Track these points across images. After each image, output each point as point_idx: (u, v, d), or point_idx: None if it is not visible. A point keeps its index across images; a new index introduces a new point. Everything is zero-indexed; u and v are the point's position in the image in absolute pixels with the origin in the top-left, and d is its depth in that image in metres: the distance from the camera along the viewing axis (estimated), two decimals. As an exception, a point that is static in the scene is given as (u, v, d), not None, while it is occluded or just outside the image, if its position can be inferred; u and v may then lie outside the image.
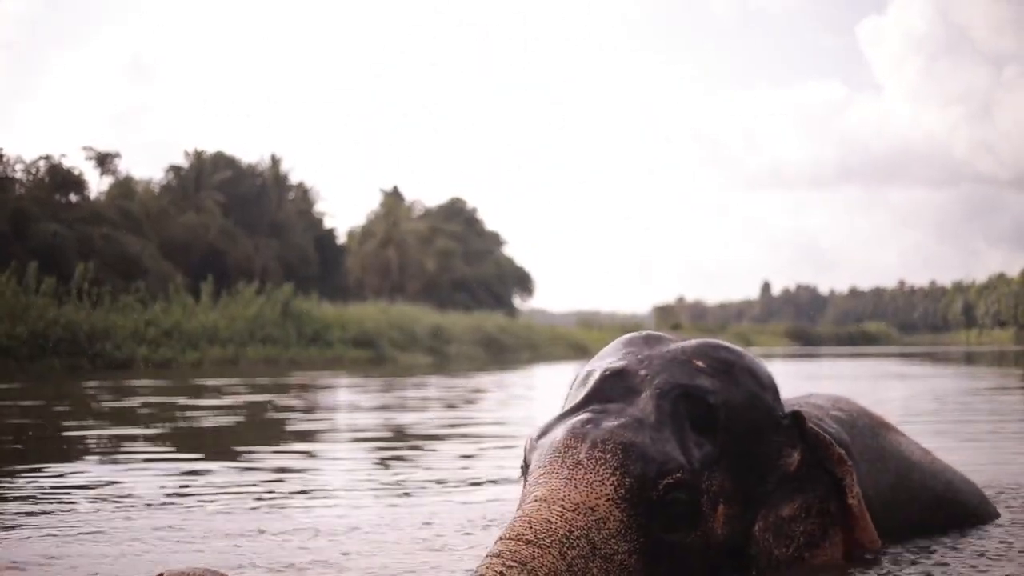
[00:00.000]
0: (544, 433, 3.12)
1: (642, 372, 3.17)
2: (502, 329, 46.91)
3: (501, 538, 2.82)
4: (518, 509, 2.97)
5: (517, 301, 68.48)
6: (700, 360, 3.21)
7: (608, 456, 2.92)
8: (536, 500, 2.89)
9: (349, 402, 13.65)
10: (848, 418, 3.68)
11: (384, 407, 12.04)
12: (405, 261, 58.56)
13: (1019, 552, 3.50)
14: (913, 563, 3.34)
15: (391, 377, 20.89)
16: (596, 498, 2.86)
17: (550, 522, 2.82)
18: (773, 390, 3.28)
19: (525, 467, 3.13)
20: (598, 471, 2.90)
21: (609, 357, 3.33)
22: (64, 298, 25.94)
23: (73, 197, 39.14)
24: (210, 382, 17.66)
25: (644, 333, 3.44)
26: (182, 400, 13.01)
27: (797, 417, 3.23)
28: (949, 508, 3.84)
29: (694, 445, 3.01)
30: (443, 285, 59.39)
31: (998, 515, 4.08)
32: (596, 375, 3.23)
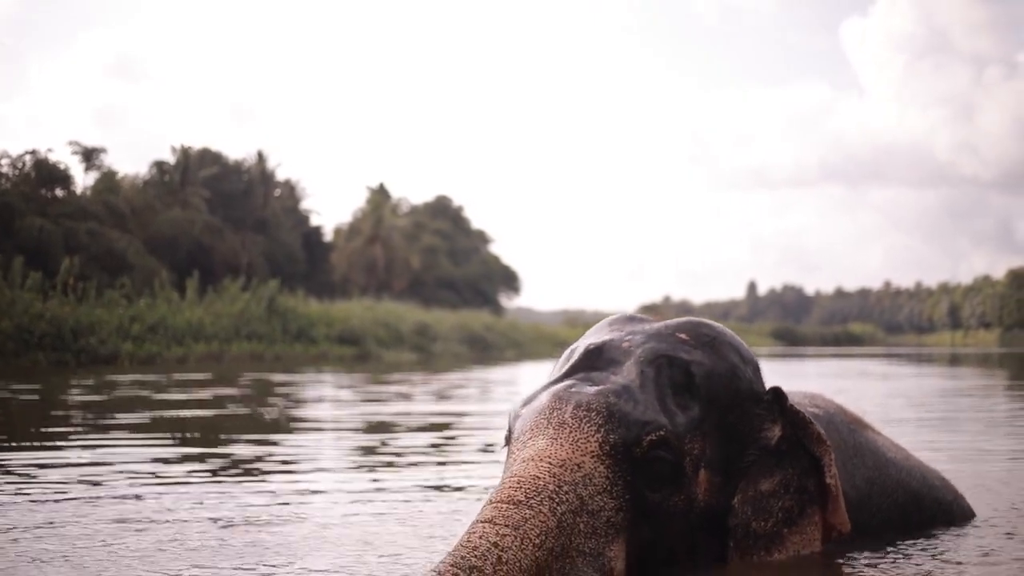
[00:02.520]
0: (528, 402, 3.20)
1: (625, 345, 3.27)
2: (488, 327, 46.94)
3: (491, 501, 2.86)
4: (505, 472, 3.04)
5: (503, 299, 68.54)
6: (683, 333, 3.30)
7: (593, 415, 3.00)
8: (524, 460, 2.96)
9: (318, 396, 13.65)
10: (825, 414, 3.71)
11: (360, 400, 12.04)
12: (391, 258, 58.51)
13: (993, 552, 3.53)
14: (893, 563, 3.36)
15: (365, 374, 20.87)
16: (582, 455, 2.94)
17: (538, 478, 2.88)
18: (754, 366, 3.35)
19: (509, 436, 3.19)
20: (583, 429, 2.98)
21: (593, 335, 3.43)
22: (49, 293, 25.86)
23: (59, 192, 39.02)
24: (192, 376, 17.63)
25: (627, 314, 3.54)
26: (147, 393, 12.98)
27: (778, 393, 3.29)
28: (924, 506, 3.87)
29: (677, 409, 3.09)
30: (429, 283, 59.41)
31: (973, 514, 4.12)
32: (580, 350, 3.33)
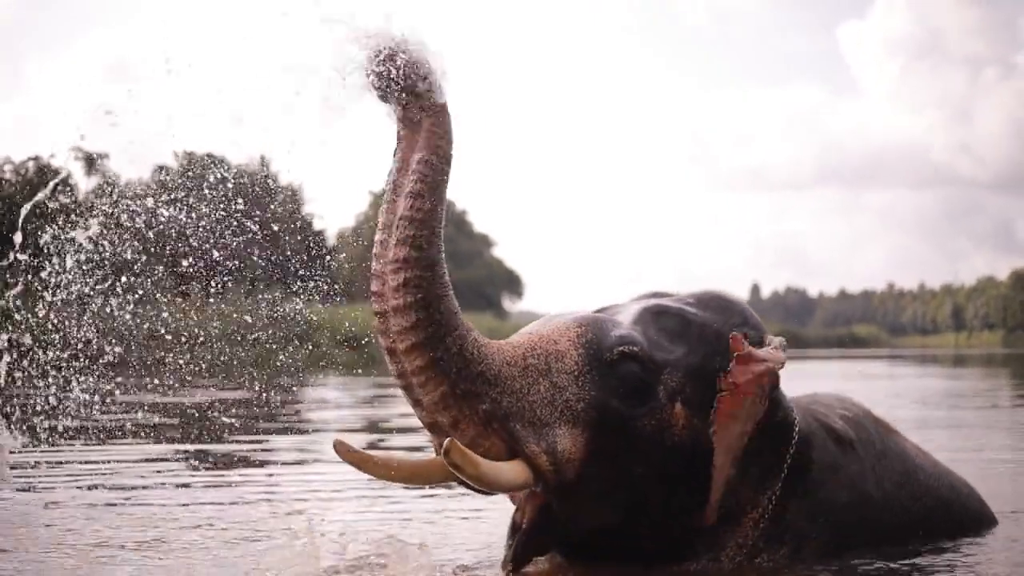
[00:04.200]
0: None
1: (636, 303, 3.46)
2: (492, 330, 46.78)
3: None
4: None
5: (507, 303, 68.56)
6: (692, 298, 3.47)
7: (579, 320, 3.24)
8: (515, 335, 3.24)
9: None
10: (854, 417, 3.71)
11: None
12: (395, 263, 58.45)
13: (1012, 558, 3.51)
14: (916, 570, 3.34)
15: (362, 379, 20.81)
16: (559, 336, 3.16)
17: (519, 339, 3.17)
18: (759, 330, 3.39)
19: None
20: (567, 323, 3.22)
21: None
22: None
23: (62, 198, 38.99)
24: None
25: (654, 291, 3.67)
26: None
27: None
28: (951, 512, 3.84)
29: (661, 343, 3.24)
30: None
31: (996, 522, 4.08)
32: (599, 307, 3.55)
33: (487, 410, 2.98)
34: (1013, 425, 9.81)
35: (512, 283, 69.47)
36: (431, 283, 2.93)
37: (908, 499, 3.68)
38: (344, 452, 3.18)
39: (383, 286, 2.99)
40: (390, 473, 3.19)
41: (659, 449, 3.14)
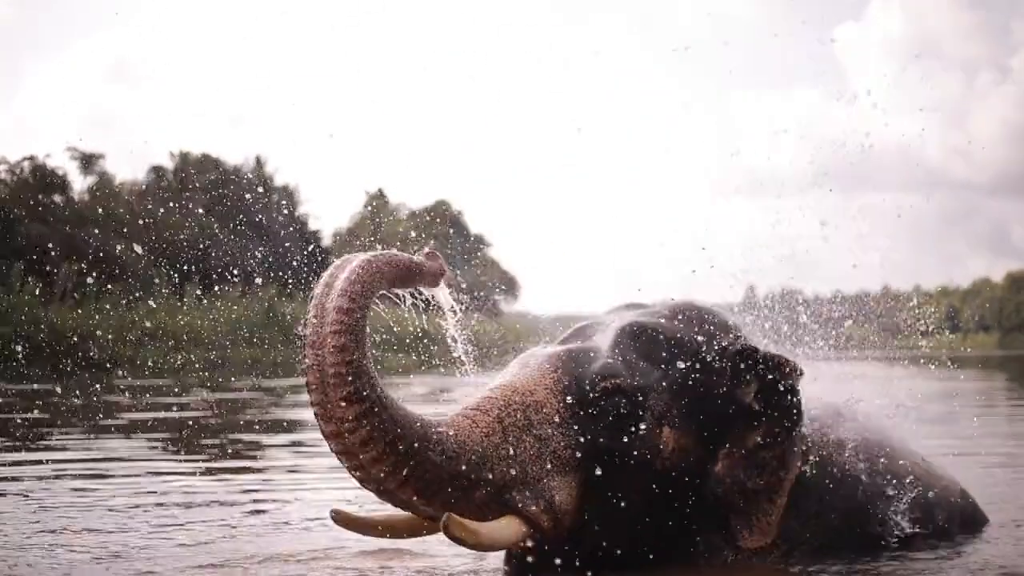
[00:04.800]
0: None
1: (611, 321, 3.41)
2: (487, 332, 46.87)
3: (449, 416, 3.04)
4: None
5: (502, 304, 68.42)
6: (667, 311, 3.43)
7: (553, 360, 3.18)
8: (485, 390, 3.17)
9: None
10: (844, 418, 3.72)
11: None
12: (390, 263, 58.33)
13: (1005, 558, 3.52)
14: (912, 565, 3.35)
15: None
16: (535, 385, 3.10)
17: (492, 397, 3.07)
18: (735, 330, 3.42)
19: None
20: (542, 368, 3.15)
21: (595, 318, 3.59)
22: (48, 299, 25.82)
23: (57, 198, 38.95)
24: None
25: (629, 302, 3.67)
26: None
27: (746, 351, 3.31)
28: (943, 511, 3.86)
29: (640, 368, 3.18)
30: (428, 287, 59.28)
31: (987, 520, 4.09)
32: (575, 327, 3.53)
33: (482, 495, 2.91)
34: (1009, 426, 9.82)
35: (508, 284, 69.31)
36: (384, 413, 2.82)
37: (897, 498, 3.69)
38: (344, 522, 3.17)
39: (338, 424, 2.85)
40: (401, 534, 3.20)
41: (650, 475, 3.12)
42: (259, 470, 6.12)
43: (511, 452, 2.94)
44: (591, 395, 3.07)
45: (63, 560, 3.60)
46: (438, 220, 66.70)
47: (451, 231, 66.36)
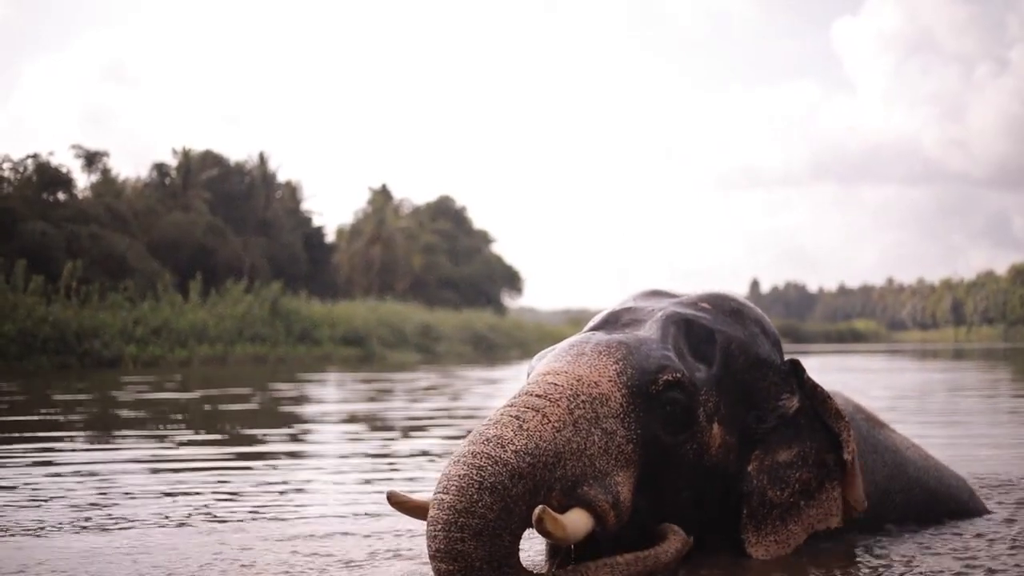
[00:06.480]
0: (546, 353, 3.27)
1: (647, 310, 3.34)
2: (491, 327, 46.89)
3: (509, 401, 2.94)
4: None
5: (506, 299, 68.45)
6: (706, 303, 3.38)
7: (612, 350, 3.07)
8: (541, 374, 3.04)
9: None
10: (844, 412, 3.70)
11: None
12: (393, 259, 58.42)
13: (1006, 549, 3.51)
14: (905, 561, 3.34)
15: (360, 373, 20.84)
16: (599, 376, 3.00)
17: (557, 385, 2.96)
18: (775, 339, 3.42)
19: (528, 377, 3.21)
20: (602, 358, 3.05)
21: (617, 305, 3.50)
22: (52, 296, 25.87)
23: (61, 196, 39.00)
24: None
25: (654, 288, 3.59)
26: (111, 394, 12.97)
27: (795, 365, 3.36)
28: (941, 503, 3.87)
29: (694, 363, 3.15)
30: (431, 283, 59.34)
31: (987, 511, 4.09)
32: (605, 313, 3.44)
33: (557, 494, 2.82)
34: (1013, 418, 9.81)
35: (511, 280, 69.31)
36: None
37: (898, 492, 3.72)
38: (398, 504, 3.06)
39: None
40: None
41: (699, 471, 3.10)
42: (270, 461, 6.12)
43: (581, 445, 2.86)
44: (652, 388, 3.01)
45: (88, 553, 3.61)
46: (442, 216, 66.73)
47: (455, 227, 66.38)
